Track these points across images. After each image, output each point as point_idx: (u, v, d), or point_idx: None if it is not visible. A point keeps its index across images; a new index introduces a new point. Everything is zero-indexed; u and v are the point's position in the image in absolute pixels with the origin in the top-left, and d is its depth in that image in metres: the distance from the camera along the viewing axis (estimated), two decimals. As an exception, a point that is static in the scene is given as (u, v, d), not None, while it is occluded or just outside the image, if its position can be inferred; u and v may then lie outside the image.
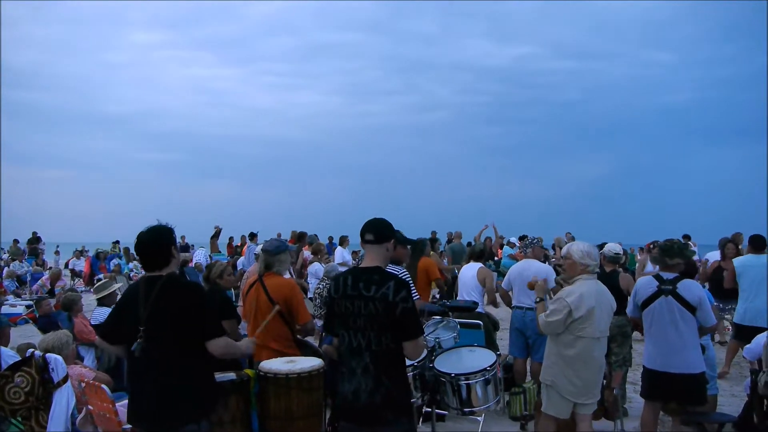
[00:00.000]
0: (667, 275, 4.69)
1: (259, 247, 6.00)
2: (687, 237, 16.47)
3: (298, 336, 4.37)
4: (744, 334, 7.09)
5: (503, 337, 8.10)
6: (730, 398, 6.70)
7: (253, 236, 15.25)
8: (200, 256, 16.45)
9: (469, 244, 14.30)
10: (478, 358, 4.36)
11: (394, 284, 3.01)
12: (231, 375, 3.55)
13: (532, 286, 4.60)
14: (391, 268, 4.81)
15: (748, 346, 5.63)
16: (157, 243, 3.09)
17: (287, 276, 4.75)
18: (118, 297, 4.68)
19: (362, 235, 3.21)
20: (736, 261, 7.64)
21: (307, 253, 11.78)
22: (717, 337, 9.30)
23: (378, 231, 3.18)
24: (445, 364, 4.29)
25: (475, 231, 15.71)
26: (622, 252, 6.49)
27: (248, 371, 3.66)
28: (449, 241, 17.49)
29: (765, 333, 5.45)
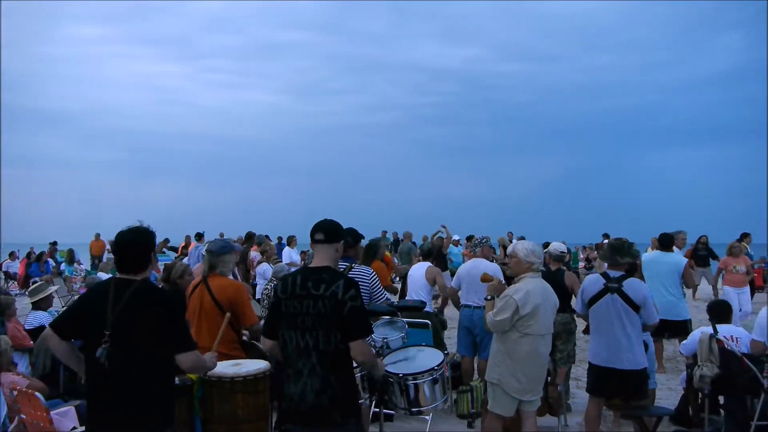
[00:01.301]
0: (614, 273, 4.82)
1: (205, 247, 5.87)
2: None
3: (244, 338, 4.29)
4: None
5: (451, 336, 8.19)
6: (668, 392, 6.94)
7: (200, 236, 14.94)
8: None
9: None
10: (426, 358, 4.37)
11: (343, 282, 3.00)
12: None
13: (486, 279, 4.65)
14: (359, 269, 4.78)
15: (684, 341, 5.85)
16: (137, 245, 2.91)
17: (232, 277, 4.66)
18: (54, 300, 4.47)
19: (312, 235, 3.19)
20: (644, 256, 7.99)
21: (255, 253, 11.62)
22: None
23: (328, 231, 3.17)
24: (393, 364, 4.29)
25: (426, 231, 15.84)
26: (566, 251, 6.66)
27: (191, 375, 3.56)
28: (395, 242, 17.59)
29: (700, 329, 5.68)
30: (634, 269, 5.27)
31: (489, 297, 4.47)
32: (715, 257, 14.05)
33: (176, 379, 3.44)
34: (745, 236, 11.87)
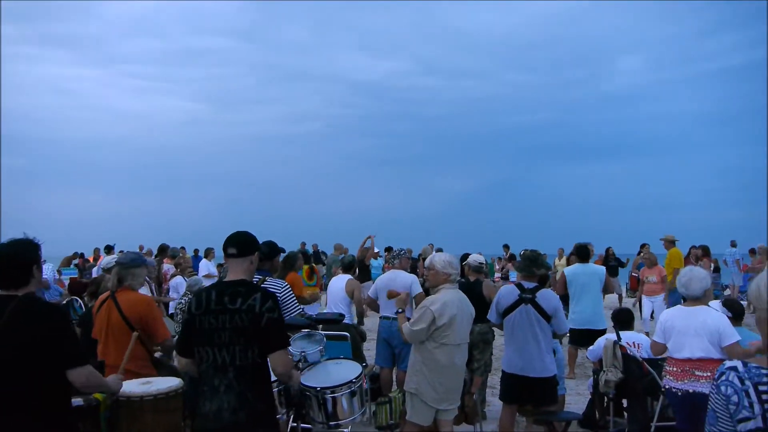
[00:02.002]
0: (528, 284, 5.02)
1: (112, 259, 5.62)
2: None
3: (156, 355, 4.13)
4: (575, 337, 7.86)
5: (370, 348, 8.20)
6: (576, 397, 7.26)
7: (109, 249, 14.29)
8: (47, 272, 15.09)
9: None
10: (344, 371, 4.37)
11: (260, 295, 2.97)
12: (78, 400, 3.27)
13: (392, 295, 4.73)
14: (272, 282, 4.72)
15: (590, 348, 6.15)
16: (17, 258, 2.74)
17: (143, 291, 4.49)
18: None
19: (225, 249, 3.15)
20: (567, 270, 8.42)
21: (168, 266, 11.24)
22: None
23: (241, 244, 3.14)
24: (311, 377, 4.25)
25: (347, 243, 15.81)
26: (484, 262, 6.86)
27: (97, 395, 3.39)
28: (315, 254, 17.46)
29: (605, 336, 5.99)
30: (545, 280, 5.50)
31: (399, 310, 4.57)
32: (623, 265, 15.06)
33: (80, 399, 3.28)
34: (643, 246, 12.76)
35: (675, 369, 4.52)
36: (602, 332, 7.84)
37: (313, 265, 9.78)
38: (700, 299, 4.59)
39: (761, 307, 1.82)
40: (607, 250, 14.92)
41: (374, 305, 6.61)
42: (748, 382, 1.72)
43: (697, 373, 4.39)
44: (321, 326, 5.50)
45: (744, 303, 10.64)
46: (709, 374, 4.32)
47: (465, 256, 7.68)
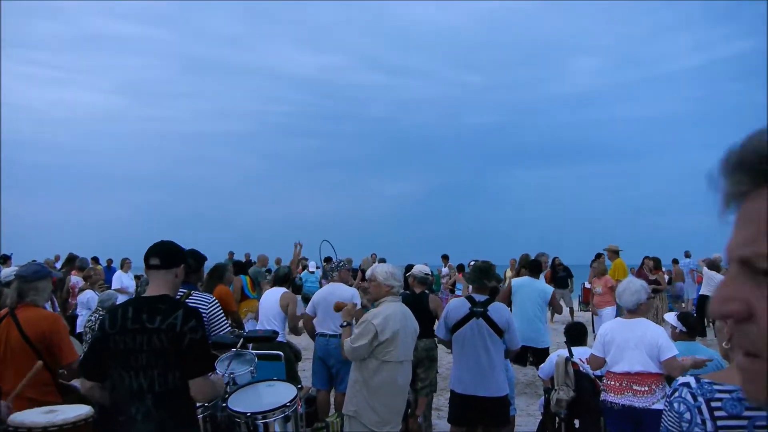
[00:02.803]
0: (479, 297, 5.10)
1: (12, 272, 5.39)
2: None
3: (62, 380, 3.99)
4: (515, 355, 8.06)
5: (306, 368, 8.15)
6: (527, 417, 7.42)
7: (5, 259, 13.68)
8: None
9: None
10: (277, 394, 4.34)
11: (182, 313, 2.93)
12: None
13: (338, 308, 4.72)
14: (198, 297, 4.63)
15: (542, 365, 6.30)
16: None
17: (47, 308, 4.33)
18: None
19: (146, 259, 3.10)
20: (515, 280, 8.65)
21: (76, 278, 10.87)
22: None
23: (165, 255, 3.10)
24: (241, 402, 4.20)
25: (277, 253, 15.68)
26: (430, 273, 6.94)
27: (-8, 427, 3.25)
28: (247, 263, 17.22)
29: (557, 352, 6.14)
30: (496, 292, 5.63)
31: (345, 323, 4.56)
32: (571, 276, 15.53)
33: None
34: (599, 256, 13.14)
35: (613, 383, 4.72)
36: (544, 351, 8.08)
37: (248, 277, 9.65)
38: (635, 312, 4.80)
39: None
40: (554, 260, 15.28)
41: (309, 325, 6.58)
42: (700, 399, 1.80)
43: (635, 387, 4.59)
44: (252, 345, 5.45)
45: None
46: (647, 389, 4.57)
47: (409, 267, 7.75)
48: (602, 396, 4.79)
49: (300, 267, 16.26)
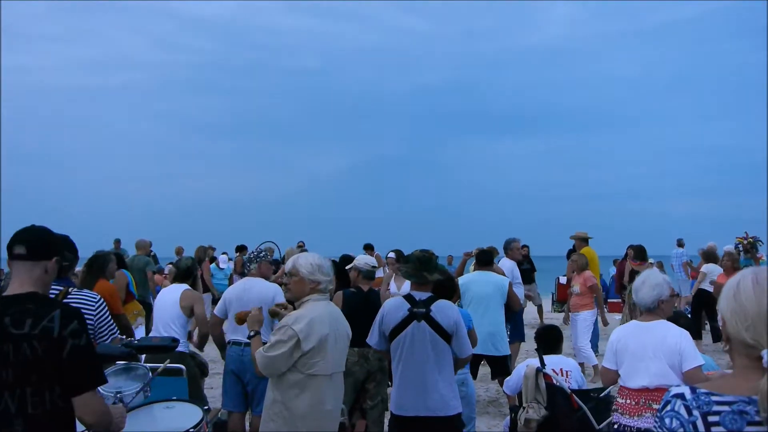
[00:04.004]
0: (420, 295, 5.10)
1: None
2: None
3: None
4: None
5: (214, 385, 8.11)
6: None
7: None
8: None
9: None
10: (178, 417, 4.33)
11: (60, 314, 2.89)
12: None
13: (241, 319, 4.72)
14: (79, 295, 4.55)
15: (507, 379, 6.44)
16: None
17: None
18: None
19: (10, 248, 3.05)
20: (462, 277, 8.81)
21: None
22: None
23: (34, 243, 3.05)
24: (131, 427, 4.17)
25: (177, 240, 15.46)
26: (377, 265, 6.95)
27: None
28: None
29: (525, 362, 6.28)
30: (453, 290, 5.69)
31: (252, 333, 4.55)
32: (534, 270, 15.99)
33: None
34: (572, 253, 13.46)
35: (628, 401, 4.72)
36: (502, 360, 8.25)
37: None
38: (655, 312, 4.79)
39: (745, 325, 1.91)
40: (521, 249, 15.55)
41: (218, 330, 6.54)
42: (696, 412, 1.85)
43: (654, 406, 4.55)
44: (145, 356, 5.38)
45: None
46: None
47: (347, 259, 7.76)
48: (614, 418, 4.79)
49: (208, 259, 16.11)
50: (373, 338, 5.19)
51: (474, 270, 9.32)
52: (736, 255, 12.68)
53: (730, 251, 12.75)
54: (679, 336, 4.69)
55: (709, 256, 13.45)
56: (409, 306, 5.01)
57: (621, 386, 4.83)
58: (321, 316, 4.32)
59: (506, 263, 10.43)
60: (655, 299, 4.78)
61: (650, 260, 15.28)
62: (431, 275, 5.14)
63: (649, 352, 4.65)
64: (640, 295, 4.82)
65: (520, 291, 10.46)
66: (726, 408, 1.83)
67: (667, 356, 4.61)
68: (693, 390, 1.90)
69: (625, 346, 4.79)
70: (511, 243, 10.78)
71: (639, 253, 13.17)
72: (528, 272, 15.50)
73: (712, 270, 12.59)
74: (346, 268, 7.11)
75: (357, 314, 5.79)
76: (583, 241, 12.59)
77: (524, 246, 15.55)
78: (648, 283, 4.82)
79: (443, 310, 5.02)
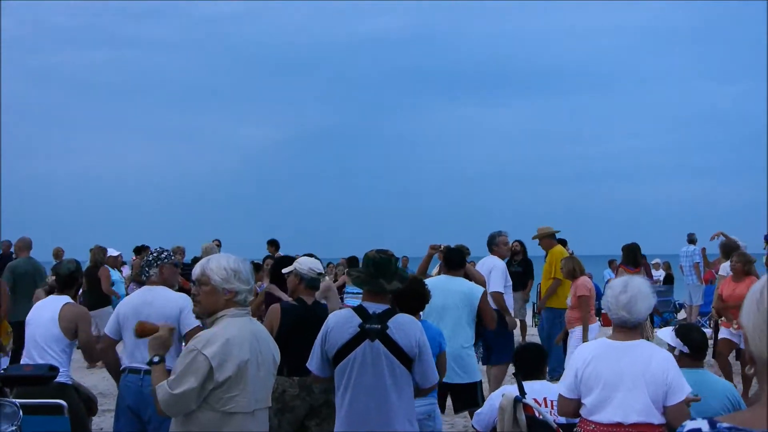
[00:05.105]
0: (375, 307, 5.02)
1: None
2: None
3: None
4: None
5: (105, 426, 7.98)
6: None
7: None
8: None
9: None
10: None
11: None
12: None
13: (142, 331, 4.59)
14: None
15: (478, 411, 6.40)
16: None
17: None
18: None
19: None
20: (429, 281, 8.78)
21: None
22: None
23: None
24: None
25: (56, 240, 15.23)
26: (323, 272, 6.84)
27: None
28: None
29: (501, 389, 6.26)
30: (424, 301, 5.63)
31: (156, 359, 4.41)
32: (532, 275, 15.64)
33: None
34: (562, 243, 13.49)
35: None
36: (472, 388, 8.21)
37: None
38: (634, 330, 4.83)
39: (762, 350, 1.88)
40: (511, 246, 15.29)
41: (111, 356, 6.43)
42: None
43: None
44: (14, 389, 5.27)
45: (708, 332, 11.57)
46: None
47: (286, 260, 7.64)
48: None
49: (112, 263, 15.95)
50: (313, 362, 5.13)
51: (438, 274, 9.28)
52: (749, 256, 11.85)
53: (742, 251, 12.25)
54: (666, 362, 4.72)
55: (731, 250, 12.59)
56: (360, 321, 4.94)
57: (584, 419, 4.84)
58: (239, 337, 4.19)
59: (493, 262, 10.40)
60: (646, 313, 4.88)
61: (657, 260, 15.48)
62: (389, 283, 5.07)
63: (627, 380, 4.65)
64: (636, 309, 4.76)
65: (510, 299, 10.40)
66: None
67: (651, 387, 4.63)
68: (713, 424, 1.85)
69: (595, 372, 4.78)
70: (496, 237, 10.69)
71: (627, 256, 13.01)
72: (520, 276, 15.17)
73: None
74: (284, 272, 6.92)
75: (299, 334, 5.75)
76: (551, 237, 12.60)
77: (516, 242, 15.17)
78: (641, 294, 4.77)
79: (404, 326, 4.97)
